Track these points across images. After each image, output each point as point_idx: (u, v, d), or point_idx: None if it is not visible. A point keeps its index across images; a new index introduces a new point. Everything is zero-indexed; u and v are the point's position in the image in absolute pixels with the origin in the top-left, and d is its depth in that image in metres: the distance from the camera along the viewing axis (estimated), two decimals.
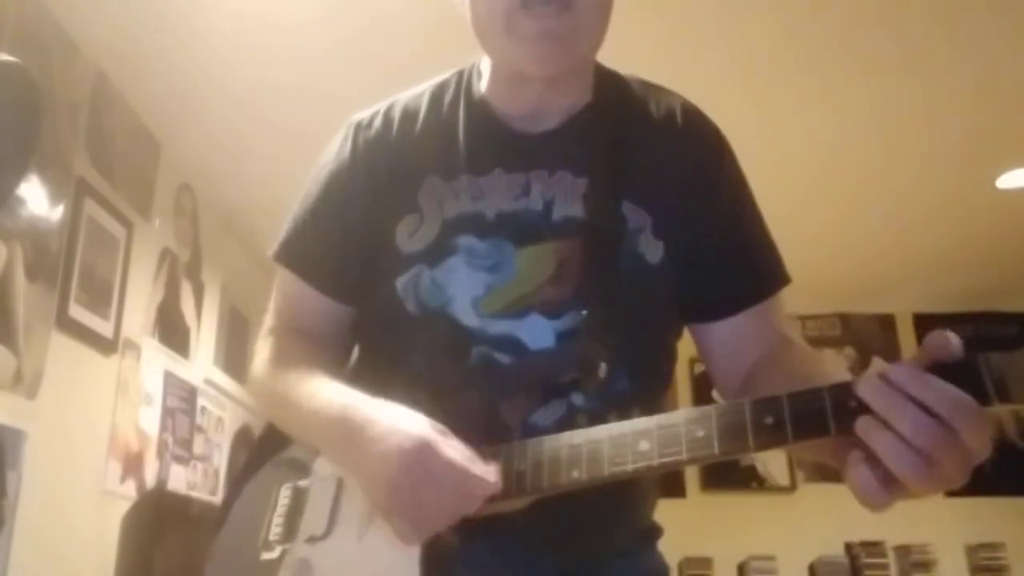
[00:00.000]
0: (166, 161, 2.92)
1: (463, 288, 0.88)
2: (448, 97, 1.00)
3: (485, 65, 0.99)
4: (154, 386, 2.78)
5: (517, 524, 0.78)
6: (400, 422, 0.77)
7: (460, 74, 1.02)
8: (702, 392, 4.56)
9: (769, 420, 0.65)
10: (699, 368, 4.58)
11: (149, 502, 2.54)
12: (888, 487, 0.63)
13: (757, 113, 2.78)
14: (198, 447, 3.12)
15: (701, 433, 0.67)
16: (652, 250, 0.90)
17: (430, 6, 2.15)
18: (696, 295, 0.92)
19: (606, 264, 0.88)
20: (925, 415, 0.59)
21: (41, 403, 2.08)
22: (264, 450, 1.01)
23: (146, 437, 2.69)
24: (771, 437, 0.65)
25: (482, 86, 0.98)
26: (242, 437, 3.68)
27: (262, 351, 1.00)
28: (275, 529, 0.91)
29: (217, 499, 3.30)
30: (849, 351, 4.71)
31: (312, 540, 0.86)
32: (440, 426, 0.76)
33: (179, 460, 2.94)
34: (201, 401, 3.18)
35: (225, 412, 3.47)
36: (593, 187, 0.90)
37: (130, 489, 2.54)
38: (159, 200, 2.86)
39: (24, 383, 2.03)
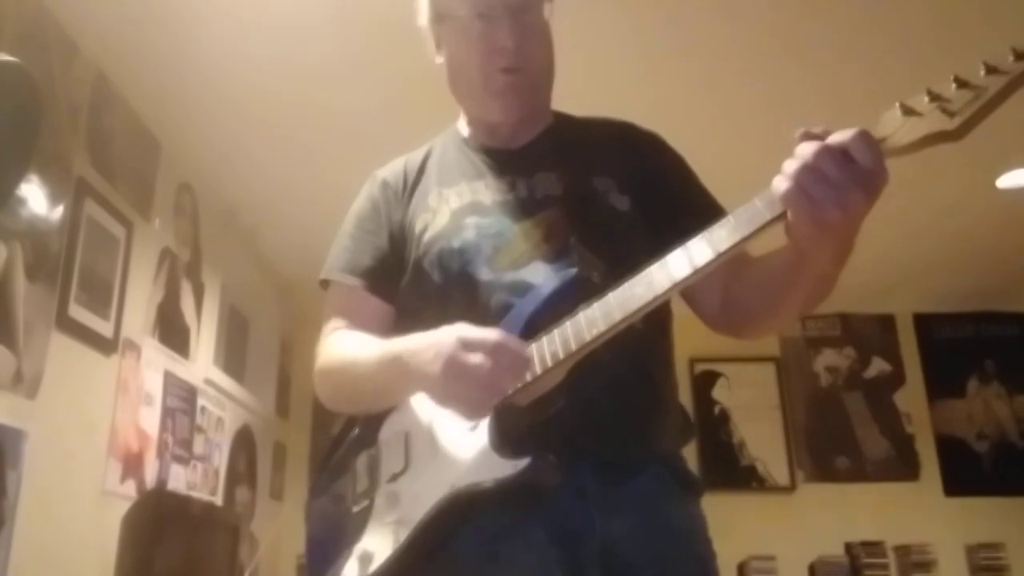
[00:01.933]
0: (166, 161, 2.92)
1: (476, 251, 1.10)
2: (439, 144, 1.29)
3: (461, 123, 1.29)
4: (154, 386, 2.78)
5: (561, 418, 0.95)
6: (436, 336, 0.97)
7: (447, 132, 1.31)
8: (702, 391, 4.57)
9: (723, 232, 0.87)
10: (699, 368, 4.59)
11: (149, 502, 2.53)
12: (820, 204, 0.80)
13: (758, 113, 2.78)
14: (198, 447, 3.12)
15: (685, 255, 0.89)
16: (621, 203, 1.14)
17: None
18: (662, 240, 1.03)
19: (586, 215, 1.11)
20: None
21: (41, 403, 2.08)
22: (335, 447, 1.19)
23: (146, 437, 2.69)
24: (730, 243, 0.86)
25: (464, 132, 1.28)
26: (242, 437, 3.68)
27: (325, 348, 1.19)
28: (359, 487, 1.08)
29: (217, 499, 3.30)
30: (849, 351, 4.72)
31: (394, 477, 1.04)
32: (468, 325, 0.96)
33: (179, 460, 2.94)
34: (201, 401, 3.18)
35: (225, 412, 3.47)
36: (564, 174, 1.16)
37: (130, 489, 2.54)
38: (159, 200, 2.86)
39: (24, 383, 2.03)
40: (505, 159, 1.19)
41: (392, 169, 1.27)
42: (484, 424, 0.97)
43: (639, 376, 1.07)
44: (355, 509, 1.06)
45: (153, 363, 2.77)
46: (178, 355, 2.98)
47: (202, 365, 3.22)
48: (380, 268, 1.19)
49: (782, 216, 0.84)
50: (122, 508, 2.43)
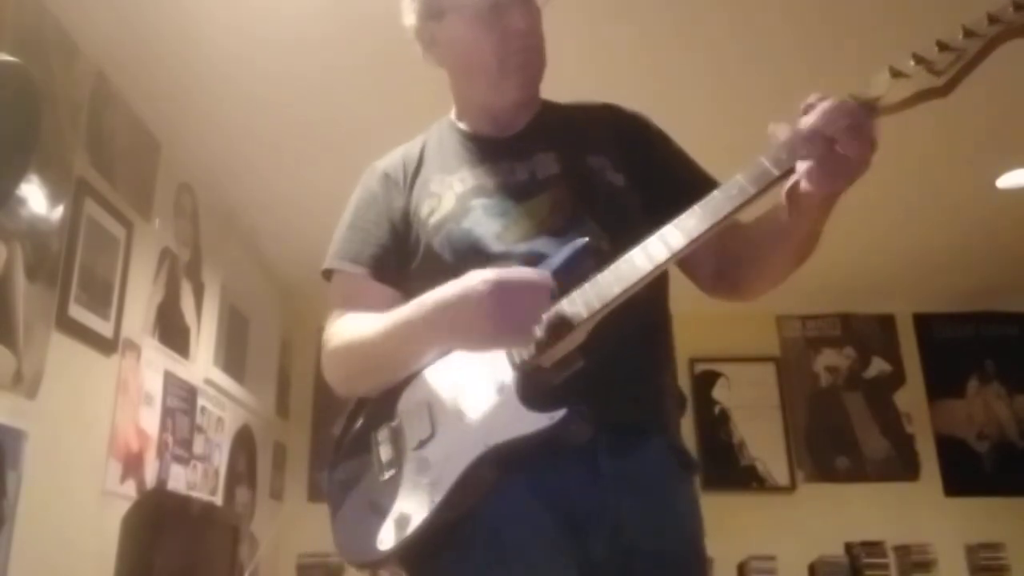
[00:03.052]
0: (166, 161, 2.92)
1: (485, 229, 1.13)
2: (434, 135, 1.31)
3: (454, 115, 1.32)
4: (154, 386, 2.78)
5: (581, 377, 0.99)
6: (464, 282, 1.01)
7: (439, 123, 1.33)
8: (702, 391, 4.57)
9: (733, 191, 0.95)
10: (699, 368, 4.59)
11: (149, 502, 2.53)
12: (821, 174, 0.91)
13: (760, 113, 2.78)
14: (198, 447, 3.13)
15: (693, 222, 0.96)
16: (616, 178, 1.18)
17: None
18: (659, 214, 1.08)
19: (587, 191, 1.16)
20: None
21: (41, 403, 2.08)
22: (348, 425, 1.19)
23: (146, 437, 2.69)
24: (740, 201, 0.94)
25: (459, 124, 1.30)
26: (242, 437, 3.68)
27: (334, 331, 1.20)
28: (385, 457, 1.09)
29: (217, 499, 3.30)
30: (849, 351, 4.72)
31: (421, 444, 1.06)
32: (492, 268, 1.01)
33: (179, 460, 2.94)
34: (201, 401, 3.18)
35: (225, 412, 3.47)
36: (560, 153, 1.20)
37: (130, 489, 2.54)
38: (159, 200, 2.86)
39: (24, 383, 2.03)
40: (502, 146, 1.24)
41: (391, 160, 1.30)
42: (511, 386, 1.01)
43: (647, 338, 1.14)
44: (383, 478, 1.08)
45: (153, 363, 2.77)
46: (178, 355, 2.98)
47: (202, 365, 3.22)
48: (383, 255, 1.21)
49: (788, 174, 0.93)
50: (122, 508, 2.43)
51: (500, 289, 0.97)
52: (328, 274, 1.26)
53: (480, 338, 1.01)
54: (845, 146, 0.90)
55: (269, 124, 2.87)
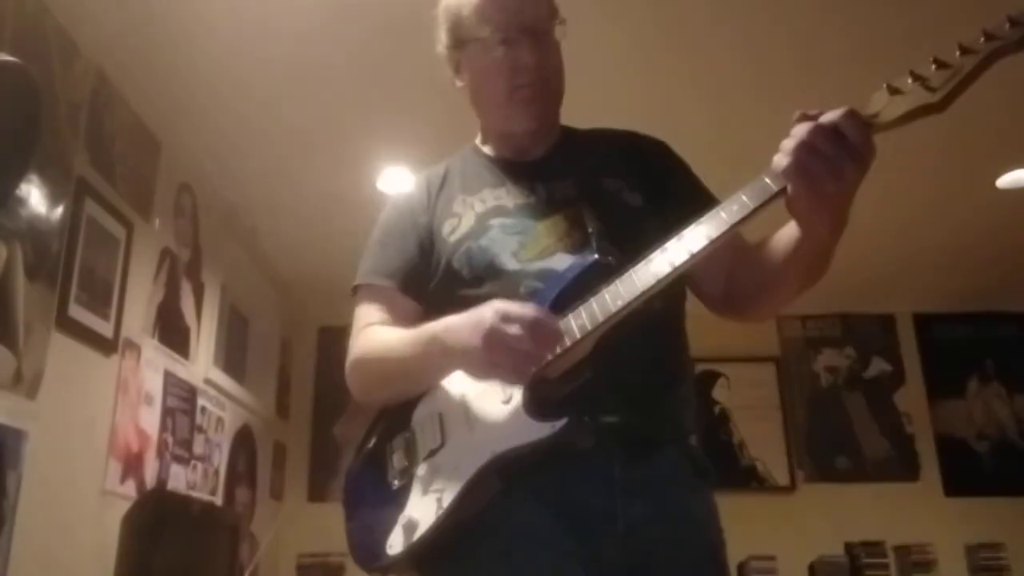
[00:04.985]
0: (166, 161, 2.92)
1: (503, 247, 1.17)
2: (458, 160, 1.37)
3: (478, 140, 1.38)
4: (154, 386, 2.78)
5: (589, 388, 1.02)
6: (473, 312, 1.03)
7: (463, 148, 1.39)
8: (702, 391, 4.57)
9: (735, 207, 0.96)
10: (699, 368, 4.58)
11: (149, 502, 2.53)
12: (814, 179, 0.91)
13: (759, 114, 2.78)
14: (198, 447, 3.13)
15: (695, 237, 0.98)
16: (633, 199, 1.22)
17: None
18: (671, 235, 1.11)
19: (603, 211, 1.18)
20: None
21: (41, 403, 2.08)
22: (367, 436, 1.23)
23: (146, 437, 2.69)
24: (741, 215, 0.95)
25: (482, 148, 1.36)
26: (242, 437, 3.68)
27: (359, 341, 1.24)
28: (398, 466, 1.14)
29: (217, 499, 3.30)
30: (849, 351, 4.72)
31: (432, 453, 1.10)
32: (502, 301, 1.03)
33: (179, 460, 2.94)
34: (201, 401, 3.18)
35: (225, 412, 3.47)
36: (578, 177, 1.24)
37: (130, 489, 2.54)
38: (159, 200, 2.86)
39: (24, 383, 2.03)
40: (522, 169, 1.29)
41: (416, 181, 1.36)
42: (517, 396, 1.04)
43: (658, 350, 1.15)
44: (395, 485, 1.12)
45: (153, 363, 2.77)
46: (178, 355, 2.98)
47: (202, 365, 3.22)
48: (409, 269, 1.26)
49: (785, 190, 0.93)
50: (122, 508, 2.43)
51: (501, 320, 0.99)
52: (355, 290, 1.30)
53: (476, 368, 1.04)
54: (827, 147, 0.90)
55: (269, 124, 2.87)
